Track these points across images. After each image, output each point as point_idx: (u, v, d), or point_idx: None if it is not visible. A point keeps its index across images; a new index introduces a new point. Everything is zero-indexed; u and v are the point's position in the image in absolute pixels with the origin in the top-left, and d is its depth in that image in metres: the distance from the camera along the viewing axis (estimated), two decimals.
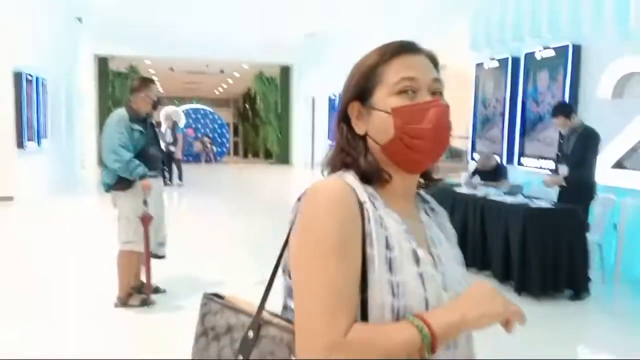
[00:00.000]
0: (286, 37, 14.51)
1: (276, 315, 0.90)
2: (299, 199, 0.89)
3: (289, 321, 0.86)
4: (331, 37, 13.80)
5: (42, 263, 5.30)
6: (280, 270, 0.91)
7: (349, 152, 0.93)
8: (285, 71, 18.40)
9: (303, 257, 0.82)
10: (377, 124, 0.91)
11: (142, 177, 3.76)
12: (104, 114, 15.52)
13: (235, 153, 26.98)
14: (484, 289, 0.84)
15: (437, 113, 0.88)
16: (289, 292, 0.89)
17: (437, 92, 0.91)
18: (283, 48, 15.76)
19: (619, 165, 5.03)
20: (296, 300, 0.82)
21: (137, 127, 3.83)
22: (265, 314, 0.89)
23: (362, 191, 0.87)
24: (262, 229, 6.97)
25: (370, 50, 0.96)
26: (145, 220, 3.80)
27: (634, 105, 4.89)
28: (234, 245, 6.27)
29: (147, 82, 4.03)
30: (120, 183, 3.79)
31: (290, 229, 0.88)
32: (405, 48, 0.93)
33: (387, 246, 0.83)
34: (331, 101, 14.67)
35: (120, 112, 3.88)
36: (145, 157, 3.84)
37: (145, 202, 3.80)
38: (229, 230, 7.20)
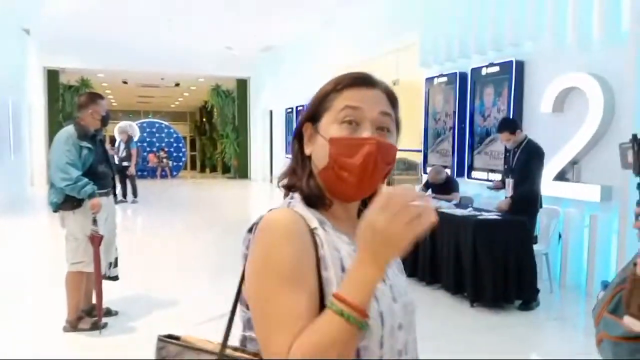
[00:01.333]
0: (243, 50, 14.51)
1: (238, 349, 0.91)
2: (249, 230, 0.92)
3: (253, 353, 0.88)
4: (287, 50, 13.89)
5: None
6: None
7: (297, 172, 0.97)
8: (242, 84, 18.36)
9: (260, 288, 0.83)
10: (318, 148, 0.94)
11: (91, 195, 3.68)
12: (53, 128, 15.04)
13: (193, 167, 26.61)
14: (377, 220, 0.74)
15: (370, 151, 0.89)
16: (248, 324, 0.91)
17: (383, 127, 0.93)
18: (239, 61, 15.74)
19: (561, 177, 5.27)
20: (257, 331, 0.84)
21: (85, 144, 3.75)
22: (228, 351, 0.90)
23: (312, 218, 0.89)
24: (220, 246, 6.90)
25: (331, 79, 1.00)
26: (95, 240, 3.71)
27: (573, 119, 5.14)
28: (190, 263, 6.18)
29: (94, 97, 3.95)
30: (68, 202, 3.70)
31: (245, 262, 0.89)
32: (359, 80, 0.95)
33: (342, 268, 0.86)
34: (288, 114, 14.72)
35: (69, 130, 3.79)
36: (94, 175, 3.77)
37: (94, 222, 3.71)
38: (185, 248, 7.09)
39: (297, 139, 0.99)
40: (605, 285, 1.79)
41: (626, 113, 4.56)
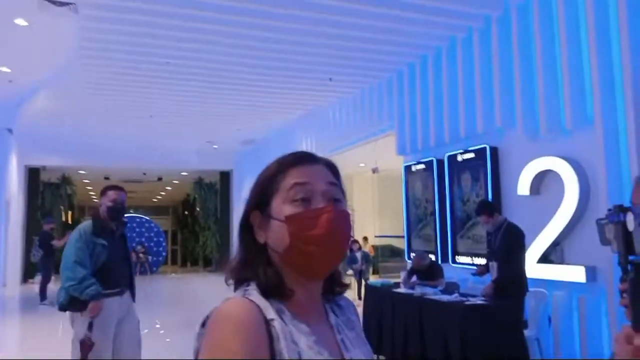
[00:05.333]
0: (225, 144, 14.80)
1: None
2: (202, 324, 0.86)
3: None
4: (269, 142, 14.22)
5: None
6: None
7: (250, 264, 0.93)
8: (226, 176, 18.54)
9: None
10: (275, 233, 0.91)
11: (94, 297, 3.43)
12: (31, 225, 14.78)
13: (174, 262, 26.05)
14: None
15: (329, 219, 0.89)
16: None
17: (334, 198, 0.93)
18: (222, 154, 16.01)
19: (545, 259, 5.25)
20: None
21: (100, 240, 3.57)
22: None
23: (269, 307, 0.86)
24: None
25: (271, 162, 1.00)
26: (85, 346, 3.41)
27: (551, 201, 5.22)
28: None
29: (105, 189, 3.77)
30: (73, 303, 3.46)
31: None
32: (301, 158, 0.97)
33: None
34: None
35: (85, 225, 3.64)
36: (106, 274, 3.54)
37: (90, 326, 3.43)
38: (163, 346, 6.73)
39: (244, 231, 0.96)
40: None
41: (601, 193, 4.65)
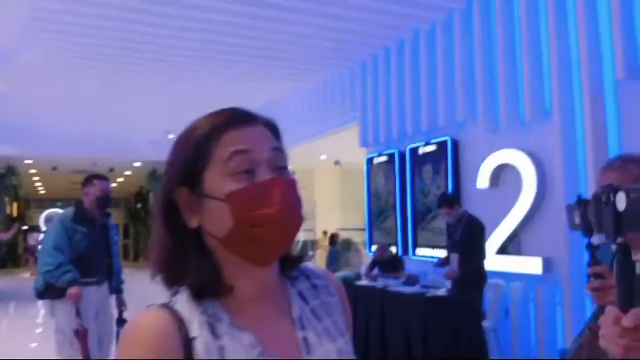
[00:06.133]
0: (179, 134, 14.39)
1: None
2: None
3: None
4: None
5: None
6: None
7: (179, 256, 0.75)
8: None
9: None
10: (212, 215, 0.74)
11: (70, 283, 3.35)
12: None
13: (126, 257, 25.28)
14: None
15: (282, 192, 0.73)
16: None
17: (280, 167, 0.77)
18: None
19: (503, 251, 5.32)
20: None
21: (81, 228, 3.52)
22: None
23: (195, 320, 0.71)
24: None
25: (194, 122, 0.80)
26: (80, 335, 3.33)
27: (509, 194, 5.29)
28: None
29: (90, 178, 3.75)
30: (50, 290, 3.40)
31: None
32: (238, 118, 0.78)
33: None
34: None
35: (67, 212, 3.62)
36: (84, 262, 3.48)
37: (78, 313, 3.35)
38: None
39: (168, 213, 0.77)
40: (564, 352, 1.70)
41: (558, 186, 4.75)
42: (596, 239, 1.57)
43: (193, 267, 0.74)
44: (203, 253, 0.75)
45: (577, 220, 1.60)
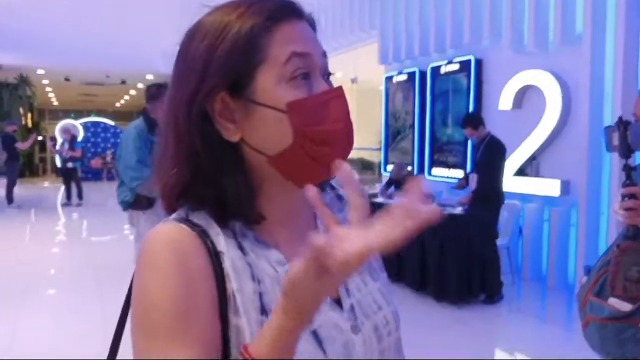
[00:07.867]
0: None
1: None
2: None
3: None
4: None
5: None
6: None
7: (211, 175, 0.63)
8: None
9: (133, 339, 0.60)
10: (263, 127, 0.62)
11: None
12: None
13: None
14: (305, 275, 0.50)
15: (344, 105, 0.64)
16: None
17: (328, 74, 0.67)
18: None
19: (520, 172, 5.36)
20: None
21: (155, 139, 3.53)
22: None
23: (219, 233, 0.63)
24: None
25: (229, 6, 0.64)
26: None
27: (532, 116, 5.24)
28: None
29: (166, 88, 3.68)
30: (139, 202, 3.51)
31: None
32: (289, 10, 0.64)
33: (263, 309, 0.60)
34: None
35: (138, 124, 3.59)
36: None
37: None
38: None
39: (199, 123, 0.63)
40: (588, 270, 1.76)
41: (582, 110, 4.68)
42: (632, 160, 1.60)
43: (231, 187, 0.63)
44: (240, 172, 0.64)
45: (615, 141, 1.62)
